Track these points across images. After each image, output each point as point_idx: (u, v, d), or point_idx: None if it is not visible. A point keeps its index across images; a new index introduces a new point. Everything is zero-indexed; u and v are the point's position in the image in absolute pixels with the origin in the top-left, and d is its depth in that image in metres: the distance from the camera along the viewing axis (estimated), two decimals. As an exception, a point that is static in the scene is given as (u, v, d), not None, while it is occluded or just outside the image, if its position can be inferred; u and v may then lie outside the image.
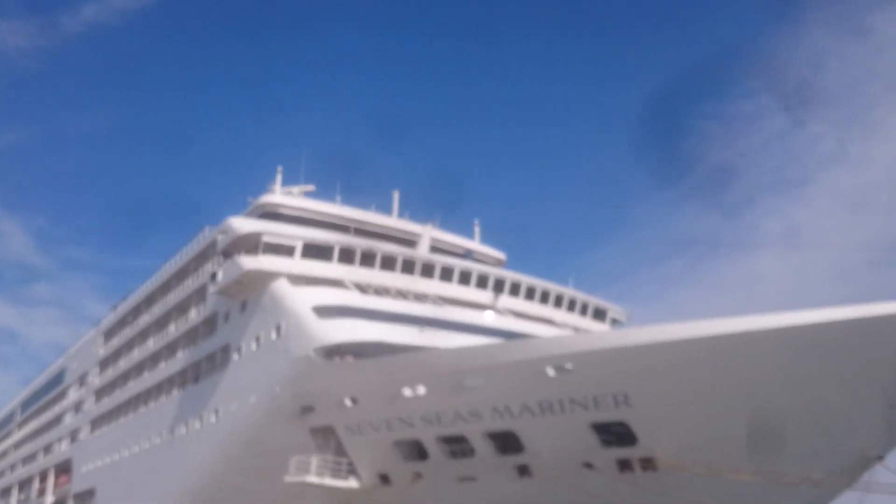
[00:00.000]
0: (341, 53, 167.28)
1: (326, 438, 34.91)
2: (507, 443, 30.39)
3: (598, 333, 28.09)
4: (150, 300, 59.21)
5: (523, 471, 30.25)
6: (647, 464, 27.93)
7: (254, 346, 40.51)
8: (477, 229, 56.10)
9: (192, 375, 48.37)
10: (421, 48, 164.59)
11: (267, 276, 40.08)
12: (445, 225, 52.86)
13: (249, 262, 40.27)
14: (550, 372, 27.81)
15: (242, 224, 43.42)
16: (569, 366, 27.49)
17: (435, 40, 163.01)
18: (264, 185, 50.57)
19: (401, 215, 53.03)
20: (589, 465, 28.82)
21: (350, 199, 51.66)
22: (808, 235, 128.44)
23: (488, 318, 40.66)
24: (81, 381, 74.59)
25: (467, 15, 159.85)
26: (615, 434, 28.48)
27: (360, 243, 41.90)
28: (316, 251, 40.50)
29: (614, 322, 47.44)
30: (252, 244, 40.95)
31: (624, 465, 28.36)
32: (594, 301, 47.34)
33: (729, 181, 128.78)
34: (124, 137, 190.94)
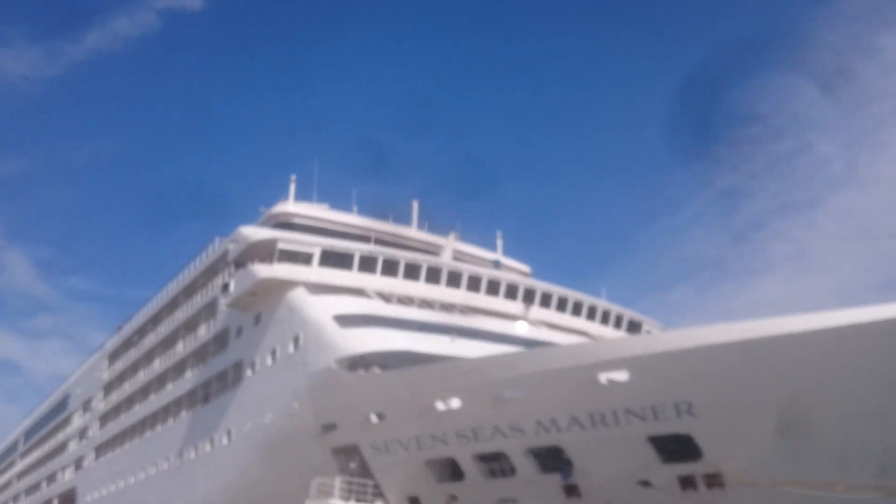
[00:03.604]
0: (359, 56, 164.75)
1: (350, 458, 32.10)
2: (552, 460, 27.48)
3: (657, 336, 25.28)
4: (156, 319, 56.55)
5: (571, 491, 27.27)
6: (713, 480, 24.98)
7: (269, 360, 37.76)
8: (500, 241, 53.65)
9: (202, 395, 45.60)
10: (447, 46, 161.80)
11: (283, 286, 37.46)
12: (466, 237, 50.50)
13: (264, 271, 37.68)
14: (603, 380, 24.96)
15: (256, 231, 40.97)
16: (624, 373, 24.67)
17: (456, 38, 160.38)
18: (276, 197, 48.21)
19: (420, 226, 50.70)
20: (646, 484, 25.83)
21: (367, 210, 49.38)
22: (815, 259, 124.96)
23: (521, 329, 37.87)
24: (85, 406, 71.78)
25: (492, 16, 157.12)
26: (669, 450, 25.59)
27: (381, 251, 39.36)
28: (335, 259, 37.95)
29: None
30: (267, 252, 38.42)
31: (686, 482, 25.38)
32: (629, 313, 44.63)
33: (737, 205, 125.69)
34: (128, 161, 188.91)
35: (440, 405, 28.54)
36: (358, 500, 31.33)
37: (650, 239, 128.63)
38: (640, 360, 24.27)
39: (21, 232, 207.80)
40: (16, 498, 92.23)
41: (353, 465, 32.10)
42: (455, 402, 28.27)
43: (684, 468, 25.21)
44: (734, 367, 22.99)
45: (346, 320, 33.94)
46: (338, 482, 31.25)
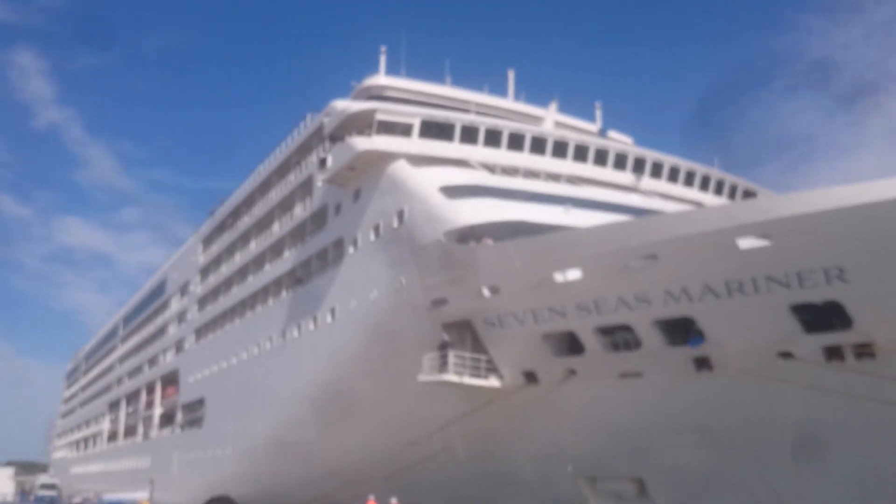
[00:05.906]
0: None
1: (462, 334, 30.95)
2: (681, 332, 25.85)
3: (804, 196, 23.11)
4: (249, 201, 55.95)
5: (702, 364, 25.72)
6: (864, 349, 23.17)
7: (372, 236, 36.61)
8: (598, 112, 51.16)
9: (302, 275, 44.97)
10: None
11: (382, 158, 35.97)
12: (564, 108, 48.13)
13: (363, 143, 36.20)
14: (743, 244, 23.01)
15: (351, 104, 39.37)
16: (766, 236, 22.69)
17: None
18: (365, 73, 46.34)
19: (517, 97, 48.52)
20: (787, 355, 24.16)
21: (460, 81, 47.28)
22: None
23: (634, 200, 35.89)
24: (183, 290, 72.63)
25: None
26: (807, 320, 23.72)
27: (483, 120, 37.43)
28: (436, 129, 36.25)
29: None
30: (364, 124, 36.89)
31: (832, 352, 23.63)
32: (743, 182, 42.12)
33: (829, 78, 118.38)
34: (202, 52, 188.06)
35: (558, 276, 26.98)
36: (471, 375, 30.43)
37: (733, 116, 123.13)
38: (786, 222, 22.18)
39: (101, 127, 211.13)
40: (119, 380, 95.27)
41: (457, 341, 31.09)
42: (575, 273, 26.67)
43: (832, 338, 23.40)
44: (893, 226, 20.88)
45: (452, 191, 32.42)
46: (451, 357, 30.31)
